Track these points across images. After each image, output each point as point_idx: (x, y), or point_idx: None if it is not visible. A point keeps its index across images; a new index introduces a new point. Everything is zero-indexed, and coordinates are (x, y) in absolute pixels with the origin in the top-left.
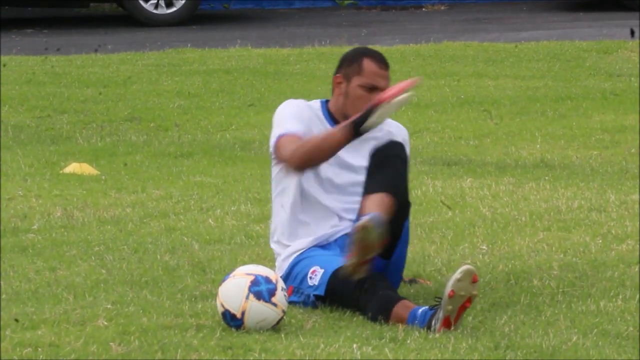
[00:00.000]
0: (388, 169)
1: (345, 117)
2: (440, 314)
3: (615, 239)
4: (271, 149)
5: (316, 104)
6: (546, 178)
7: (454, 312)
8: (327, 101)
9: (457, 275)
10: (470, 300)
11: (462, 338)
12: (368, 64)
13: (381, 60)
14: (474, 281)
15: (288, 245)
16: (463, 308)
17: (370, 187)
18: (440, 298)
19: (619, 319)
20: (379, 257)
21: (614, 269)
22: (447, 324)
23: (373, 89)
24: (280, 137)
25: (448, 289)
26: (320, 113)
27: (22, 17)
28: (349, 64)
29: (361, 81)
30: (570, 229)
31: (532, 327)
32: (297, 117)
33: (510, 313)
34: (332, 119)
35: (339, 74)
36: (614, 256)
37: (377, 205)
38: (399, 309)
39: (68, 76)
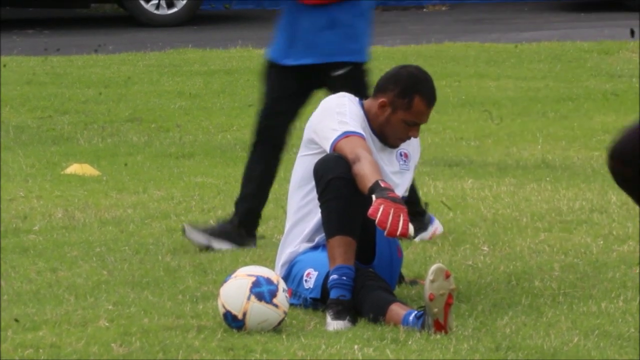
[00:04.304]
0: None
1: (381, 133)
2: (429, 320)
3: (617, 240)
4: (330, 138)
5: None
6: (547, 179)
7: (440, 313)
8: (363, 100)
9: (429, 277)
10: (451, 296)
11: (463, 339)
12: (418, 104)
13: (431, 99)
14: (447, 276)
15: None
16: (448, 306)
17: (327, 231)
18: (424, 306)
19: (620, 320)
20: (360, 263)
21: (615, 270)
22: (439, 326)
23: (415, 124)
24: (350, 134)
25: (427, 294)
26: (363, 114)
27: (23, 17)
28: (401, 95)
29: (407, 117)
30: (571, 230)
31: (533, 328)
32: (359, 119)
33: (512, 314)
34: (368, 119)
35: (386, 99)
36: (615, 257)
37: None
38: (391, 315)
39: (69, 77)
